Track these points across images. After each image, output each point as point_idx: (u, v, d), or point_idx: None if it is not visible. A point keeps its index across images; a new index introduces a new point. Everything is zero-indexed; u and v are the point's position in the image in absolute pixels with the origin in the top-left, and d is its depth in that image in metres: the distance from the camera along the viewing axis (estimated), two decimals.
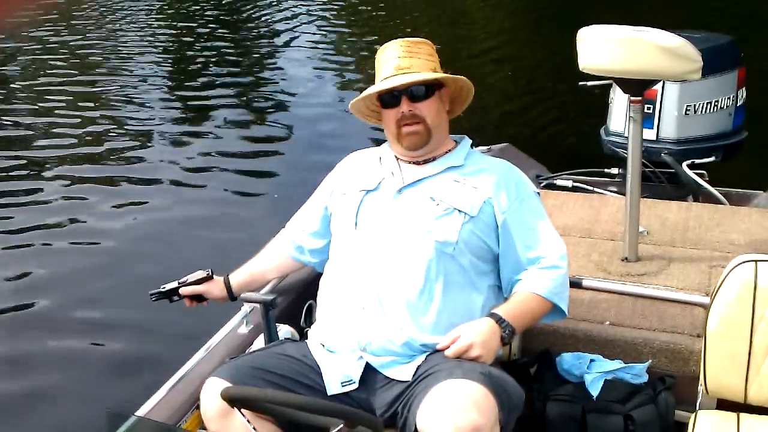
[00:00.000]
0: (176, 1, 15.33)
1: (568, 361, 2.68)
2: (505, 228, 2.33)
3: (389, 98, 2.37)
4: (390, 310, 2.23)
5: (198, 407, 2.25)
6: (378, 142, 2.67)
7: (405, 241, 2.28)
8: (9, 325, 4.73)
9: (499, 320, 2.21)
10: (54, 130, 8.27)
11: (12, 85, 10.18)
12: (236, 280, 2.65)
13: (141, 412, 2.28)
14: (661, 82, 4.05)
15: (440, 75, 2.37)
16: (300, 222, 2.65)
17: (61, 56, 11.43)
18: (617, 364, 2.66)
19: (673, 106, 4.17)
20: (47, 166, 7.30)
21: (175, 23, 13.90)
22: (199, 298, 2.63)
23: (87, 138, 8.02)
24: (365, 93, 2.42)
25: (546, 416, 2.55)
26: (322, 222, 2.57)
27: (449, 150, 2.45)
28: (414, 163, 2.42)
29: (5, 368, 4.31)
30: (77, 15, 14.44)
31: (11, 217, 6.22)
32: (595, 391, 2.56)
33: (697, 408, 2.41)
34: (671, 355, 2.71)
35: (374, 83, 2.42)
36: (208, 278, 2.62)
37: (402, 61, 2.36)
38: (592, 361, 2.67)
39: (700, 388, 2.39)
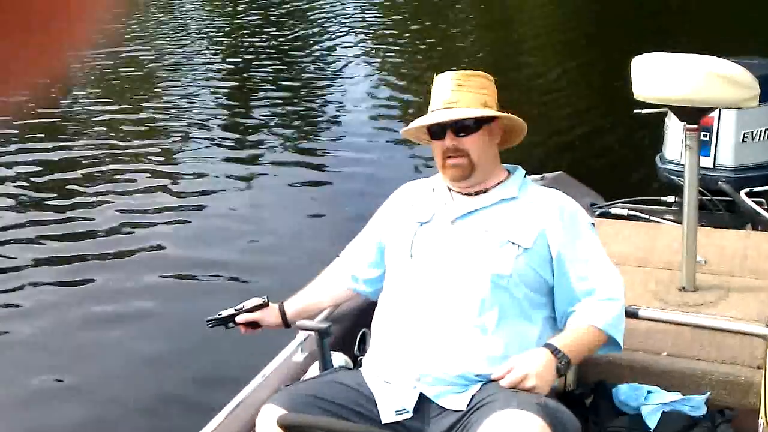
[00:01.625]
0: (231, 27, 15.64)
1: (624, 392, 2.65)
2: (560, 260, 2.32)
3: (436, 130, 2.40)
4: (444, 341, 2.24)
5: None
6: (426, 171, 2.68)
7: (459, 273, 2.29)
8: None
9: (555, 351, 2.20)
10: (108, 143, 8.50)
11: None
12: (291, 308, 2.68)
13: None
14: (718, 110, 4.00)
15: (486, 112, 2.37)
16: (355, 252, 2.68)
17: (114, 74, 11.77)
18: (675, 395, 2.62)
19: (731, 133, 4.11)
20: (100, 179, 7.46)
21: (228, 47, 14.18)
22: (253, 325, 2.67)
23: (137, 159, 8.20)
24: (412, 125, 2.46)
25: None
26: (377, 252, 2.59)
27: (502, 181, 2.45)
28: (466, 194, 2.43)
29: (66, 394, 4.38)
30: (132, 31, 14.81)
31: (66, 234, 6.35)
32: (652, 424, 2.52)
33: None
34: (730, 387, 2.66)
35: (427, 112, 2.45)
36: (264, 305, 2.66)
37: (452, 94, 2.37)
38: (649, 392, 2.63)
39: (761, 421, 2.34)
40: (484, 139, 2.40)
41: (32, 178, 7.75)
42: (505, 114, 2.41)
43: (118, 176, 7.74)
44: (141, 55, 13.22)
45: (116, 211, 6.91)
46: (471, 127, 2.36)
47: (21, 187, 7.59)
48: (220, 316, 2.64)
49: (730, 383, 2.65)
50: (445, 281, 2.30)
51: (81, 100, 10.74)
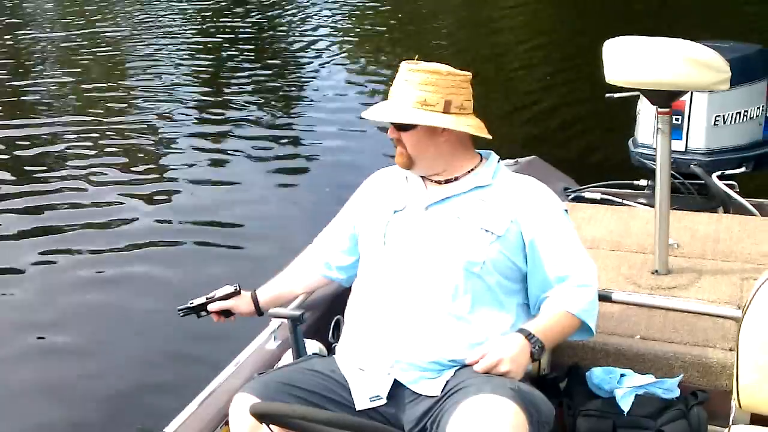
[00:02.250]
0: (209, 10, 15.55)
1: (598, 376, 2.65)
2: (533, 247, 2.31)
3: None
4: (418, 328, 2.23)
5: (227, 423, 2.26)
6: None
7: (432, 260, 2.28)
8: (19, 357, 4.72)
9: (529, 336, 2.19)
10: (82, 130, 8.54)
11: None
12: (264, 295, 2.66)
13: (170, 428, 2.30)
14: (689, 93, 4.02)
15: (405, 117, 2.29)
16: (328, 239, 2.66)
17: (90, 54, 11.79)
18: (648, 378, 2.63)
19: (702, 116, 4.13)
20: (77, 168, 7.49)
21: (206, 26, 14.14)
22: (226, 313, 2.64)
23: (113, 144, 8.23)
24: (363, 114, 2.44)
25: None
26: (351, 239, 2.57)
27: (473, 168, 2.42)
28: (437, 182, 2.41)
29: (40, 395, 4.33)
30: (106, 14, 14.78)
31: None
32: (626, 407, 2.53)
33: (731, 423, 2.37)
34: (703, 370, 2.68)
35: None
36: (235, 293, 2.63)
37: (396, 87, 2.35)
38: (622, 375, 2.64)
39: (733, 402, 2.36)
40: (423, 137, 2.34)
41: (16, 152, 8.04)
42: (421, 122, 2.30)
43: (95, 153, 7.91)
44: (117, 34, 13.27)
45: (95, 185, 7.14)
46: (405, 125, 2.34)
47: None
48: (192, 305, 2.61)
49: (703, 365, 2.67)
50: (419, 268, 2.29)
51: (56, 78, 10.96)
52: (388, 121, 2.36)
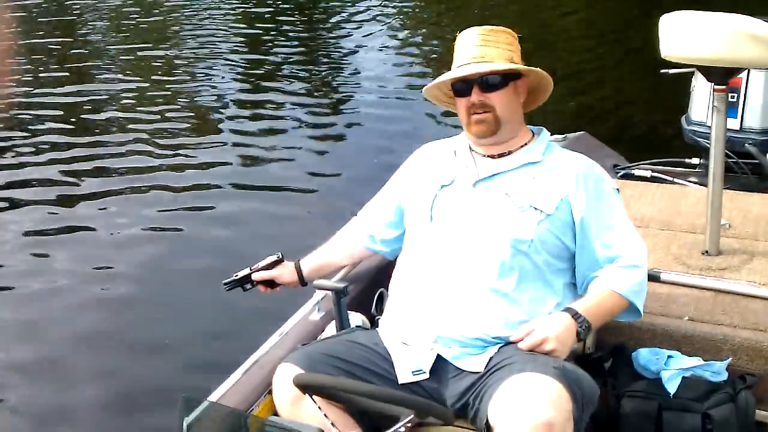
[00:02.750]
0: None
1: (644, 356, 2.61)
2: (583, 226, 2.28)
3: (461, 86, 2.34)
4: (462, 303, 2.22)
5: (270, 392, 2.27)
6: (448, 131, 2.64)
7: (480, 237, 2.26)
8: (85, 306, 4.89)
9: (575, 315, 2.17)
10: (123, 120, 8.62)
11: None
12: (307, 265, 2.67)
13: (214, 396, 2.31)
14: (747, 70, 3.91)
15: (514, 66, 2.32)
16: (373, 211, 2.65)
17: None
18: (696, 361, 2.58)
19: (759, 94, 4.02)
20: (115, 158, 7.55)
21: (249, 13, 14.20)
22: (271, 284, 2.66)
23: (154, 129, 8.27)
24: (437, 80, 2.40)
25: (620, 413, 2.49)
26: (396, 213, 2.56)
27: (526, 143, 2.40)
28: (489, 156, 2.38)
29: (83, 345, 4.47)
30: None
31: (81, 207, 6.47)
32: (672, 388, 2.49)
33: None
34: (753, 353, 2.62)
35: (450, 69, 2.39)
36: (278, 262, 2.65)
37: (478, 49, 2.32)
38: (669, 357, 2.60)
39: None
40: (511, 96, 2.35)
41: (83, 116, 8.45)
42: (535, 69, 2.35)
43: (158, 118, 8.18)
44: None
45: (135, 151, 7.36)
46: (498, 83, 2.31)
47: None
48: (236, 277, 2.64)
49: (752, 349, 2.62)
50: (465, 244, 2.27)
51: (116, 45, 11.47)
52: (488, 72, 2.29)
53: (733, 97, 3.98)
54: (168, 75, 9.83)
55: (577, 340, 2.19)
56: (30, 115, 8.54)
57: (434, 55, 10.19)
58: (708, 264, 3.11)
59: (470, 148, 2.43)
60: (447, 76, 2.36)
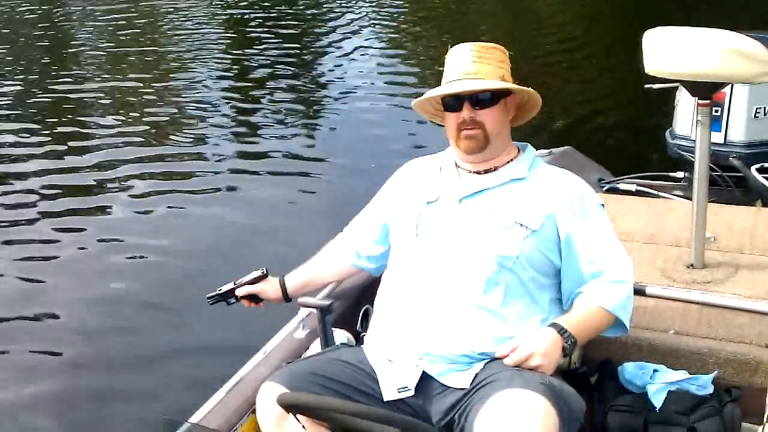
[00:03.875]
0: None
1: (630, 371, 2.61)
2: (568, 242, 2.28)
3: (452, 102, 2.33)
4: (448, 320, 2.20)
5: (254, 412, 2.25)
6: (433, 148, 2.64)
7: (465, 253, 2.25)
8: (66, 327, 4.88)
9: (561, 330, 2.16)
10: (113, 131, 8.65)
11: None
12: (292, 281, 2.65)
13: (196, 417, 2.29)
14: (730, 84, 3.94)
15: (506, 85, 2.32)
16: (359, 228, 2.64)
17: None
18: (681, 374, 2.58)
19: (743, 108, 4.06)
20: (104, 170, 7.58)
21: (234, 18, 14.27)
22: (255, 299, 2.65)
23: (143, 139, 8.33)
24: (428, 94, 2.39)
25: (607, 427, 2.49)
26: (382, 229, 2.55)
27: (511, 159, 2.39)
28: (475, 172, 2.38)
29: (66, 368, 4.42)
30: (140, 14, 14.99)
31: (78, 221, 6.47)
32: (658, 402, 2.48)
33: (765, 421, 2.32)
34: (738, 366, 2.62)
35: (440, 83, 2.39)
36: (262, 277, 2.64)
37: (470, 65, 2.32)
38: (655, 371, 2.60)
39: None
40: (501, 113, 2.35)
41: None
42: (525, 88, 2.35)
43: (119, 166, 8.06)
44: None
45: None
46: (489, 100, 2.31)
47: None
48: (220, 291, 2.63)
49: (738, 362, 2.62)
50: (451, 261, 2.26)
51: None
52: (481, 90, 2.29)
53: (717, 111, 4.01)
54: (157, 81, 10.01)
55: (563, 355, 2.18)
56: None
57: (421, 69, 10.23)
58: (693, 277, 3.11)
59: (456, 164, 2.42)
60: (439, 91, 2.35)
